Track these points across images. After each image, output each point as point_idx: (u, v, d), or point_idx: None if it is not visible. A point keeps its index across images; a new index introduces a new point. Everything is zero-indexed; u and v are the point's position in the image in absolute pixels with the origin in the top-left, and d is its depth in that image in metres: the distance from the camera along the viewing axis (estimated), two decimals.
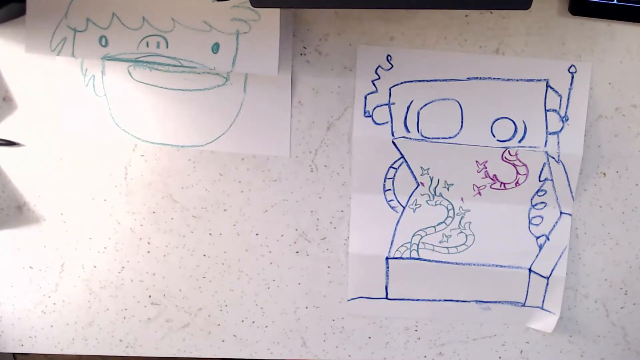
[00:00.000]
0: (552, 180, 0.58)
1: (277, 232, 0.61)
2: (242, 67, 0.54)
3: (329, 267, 0.62)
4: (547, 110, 0.57)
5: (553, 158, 0.57)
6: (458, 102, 0.56)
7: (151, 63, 0.55)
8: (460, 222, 0.60)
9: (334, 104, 0.58)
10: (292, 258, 0.62)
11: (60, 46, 0.54)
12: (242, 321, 0.64)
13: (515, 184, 0.58)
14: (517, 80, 0.56)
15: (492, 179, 0.58)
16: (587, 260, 0.61)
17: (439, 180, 0.59)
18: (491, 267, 0.60)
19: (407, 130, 0.57)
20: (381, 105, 0.57)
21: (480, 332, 0.63)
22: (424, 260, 0.61)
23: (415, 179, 0.59)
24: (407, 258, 0.61)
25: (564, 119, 0.57)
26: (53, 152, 0.59)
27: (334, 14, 0.55)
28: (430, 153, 0.58)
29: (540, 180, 0.58)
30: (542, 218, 0.59)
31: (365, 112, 0.57)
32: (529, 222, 0.60)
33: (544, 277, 0.60)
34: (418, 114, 0.57)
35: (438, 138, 0.57)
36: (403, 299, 0.62)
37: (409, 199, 0.59)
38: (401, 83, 0.56)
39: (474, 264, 0.60)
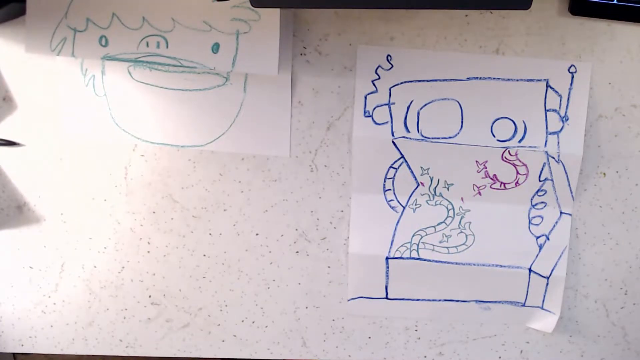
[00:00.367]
0: (552, 180, 0.58)
1: (277, 232, 0.61)
2: (242, 67, 0.54)
3: (329, 267, 0.62)
4: (547, 110, 0.57)
5: (553, 158, 0.57)
6: (458, 102, 0.56)
7: (151, 63, 0.55)
8: (460, 222, 0.60)
9: (334, 104, 0.58)
10: (292, 258, 0.62)
11: (60, 46, 0.54)
12: (242, 321, 0.64)
13: (515, 184, 0.58)
14: (517, 80, 0.56)
15: (492, 179, 0.58)
16: (587, 260, 0.61)
17: (439, 180, 0.59)
18: (491, 267, 0.60)
19: (407, 130, 0.57)
20: (381, 105, 0.57)
21: (480, 332, 0.63)
22: (424, 260, 0.61)
23: (415, 179, 0.59)
24: (407, 258, 0.61)
25: (564, 119, 0.57)
26: (53, 152, 0.59)
27: (334, 14, 0.55)
28: (430, 153, 0.58)
29: (540, 180, 0.58)
30: (542, 218, 0.59)
31: (365, 112, 0.57)
32: (529, 222, 0.60)
33: (544, 277, 0.60)
34: (418, 114, 0.57)
35: (438, 138, 0.57)
36: (403, 299, 0.62)
37: (409, 199, 0.59)
38: (401, 83, 0.56)
39: (474, 264, 0.60)
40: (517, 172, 0.58)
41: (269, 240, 0.61)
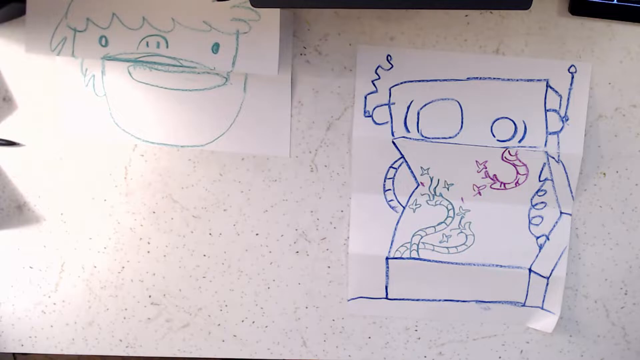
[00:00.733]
0: (552, 180, 0.58)
1: (277, 232, 0.61)
2: (242, 67, 0.54)
3: (329, 267, 0.62)
4: (547, 110, 0.57)
5: (553, 158, 0.57)
6: (458, 102, 0.56)
7: (151, 63, 0.55)
8: (460, 222, 0.60)
9: (334, 104, 0.58)
10: (292, 258, 0.62)
11: (60, 46, 0.54)
12: (242, 321, 0.64)
13: (515, 184, 0.58)
14: (517, 80, 0.56)
15: (492, 179, 0.58)
16: (587, 260, 0.61)
17: (439, 180, 0.59)
18: (491, 267, 0.60)
19: (407, 130, 0.57)
20: (381, 105, 0.57)
21: (480, 332, 0.63)
22: (424, 260, 0.61)
23: (415, 179, 0.59)
24: (407, 258, 0.61)
25: (564, 119, 0.57)
26: (53, 152, 0.59)
27: (334, 14, 0.55)
28: (430, 153, 0.58)
29: (540, 180, 0.58)
30: (542, 218, 0.59)
31: (365, 112, 0.57)
32: (529, 222, 0.60)
33: (544, 277, 0.60)
34: (418, 114, 0.57)
35: (438, 138, 0.57)
36: (403, 299, 0.62)
37: (409, 199, 0.59)
38: (401, 83, 0.56)
39: (474, 264, 0.60)
40: (517, 172, 0.58)
41: (269, 240, 0.61)
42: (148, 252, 0.62)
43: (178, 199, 0.60)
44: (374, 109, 0.57)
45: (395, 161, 0.58)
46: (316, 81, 0.57)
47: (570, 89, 0.56)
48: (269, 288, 0.62)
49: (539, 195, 0.59)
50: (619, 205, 0.59)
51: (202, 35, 0.54)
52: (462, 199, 0.59)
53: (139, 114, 0.58)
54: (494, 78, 0.56)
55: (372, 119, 0.57)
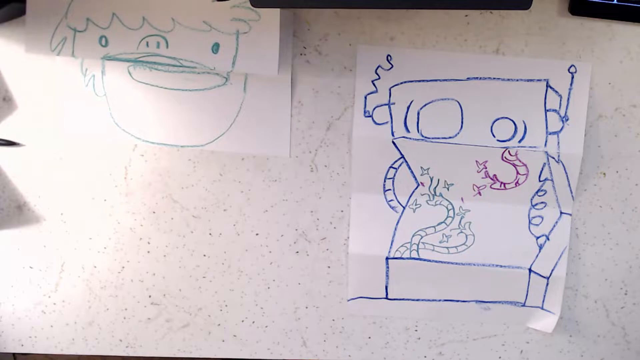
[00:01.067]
0: (552, 180, 0.58)
1: (277, 232, 0.61)
2: (242, 67, 0.54)
3: (329, 267, 0.62)
4: (547, 110, 0.57)
5: (553, 158, 0.57)
6: (458, 102, 0.56)
7: (151, 63, 0.55)
8: (460, 222, 0.60)
9: (334, 104, 0.58)
10: (292, 258, 0.62)
11: (60, 46, 0.54)
12: (242, 321, 0.64)
13: (515, 184, 0.58)
14: (517, 80, 0.56)
15: (492, 179, 0.58)
16: (587, 260, 0.61)
17: (439, 180, 0.59)
18: (491, 267, 0.60)
19: (407, 130, 0.57)
20: (381, 105, 0.57)
21: (480, 332, 0.63)
22: (424, 260, 0.61)
23: (415, 179, 0.59)
24: (407, 258, 0.61)
25: (564, 119, 0.57)
26: (53, 152, 0.59)
27: (334, 14, 0.55)
28: (430, 153, 0.58)
29: (540, 180, 0.58)
30: (542, 218, 0.59)
31: (365, 112, 0.57)
32: (529, 222, 0.60)
33: (544, 277, 0.60)
34: (418, 114, 0.57)
35: (438, 138, 0.57)
36: (403, 299, 0.62)
37: (409, 199, 0.59)
38: (401, 83, 0.56)
39: (474, 264, 0.60)
40: (517, 172, 0.58)
41: (269, 240, 0.61)
42: (148, 252, 0.62)
43: (178, 199, 0.60)
44: (374, 109, 0.57)
45: (395, 161, 0.58)
46: (316, 81, 0.57)
47: (570, 89, 0.56)
48: (269, 288, 0.62)
49: (539, 195, 0.59)
50: (619, 205, 0.59)
51: (202, 35, 0.54)
52: (462, 199, 0.59)
53: (139, 114, 0.58)
54: (494, 78, 0.56)
55: (372, 119, 0.57)
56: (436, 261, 0.60)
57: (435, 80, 0.56)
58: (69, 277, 0.62)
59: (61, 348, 0.65)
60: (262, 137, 0.58)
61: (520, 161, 0.58)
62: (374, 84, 0.56)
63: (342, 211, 0.60)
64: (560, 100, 0.56)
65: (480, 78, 0.56)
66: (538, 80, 0.56)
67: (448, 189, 0.59)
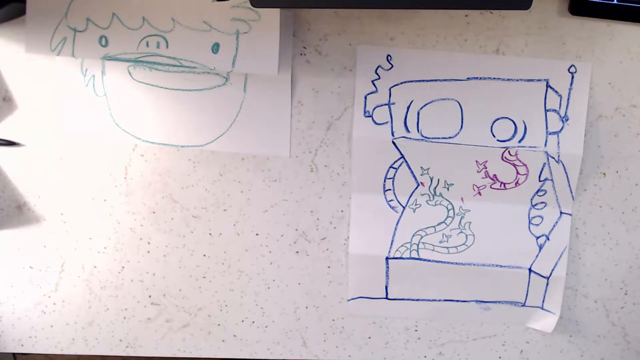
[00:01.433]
0: (552, 180, 0.58)
1: (277, 232, 0.61)
2: (242, 67, 0.54)
3: (329, 267, 0.62)
4: (547, 110, 0.57)
5: (553, 158, 0.57)
6: (458, 102, 0.56)
7: (151, 63, 0.55)
8: (460, 222, 0.60)
9: (334, 104, 0.58)
10: (292, 258, 0.62)
11: (60, 46, 0.54)
12: (242, 321, 0.64)
13: (515, 184, 0.58)
14: (517, 80, 0.56)
15: (492, 179, 0.58)
16: (587, 260, 0.61)
17: (439, 180, 0.59)
18: (491, 267, 0.60)
19: (407, 130, 0.57)
20: (381, 105, 0.57)
21: (480, 332, 0.63)
22: (424, 260, 0.61)
23: (415, 179, 0.59)
24: (407, 258, 0.61)
25: (564, 119, 0.57)
26: (53, 152, 0.59)
27: (334, 14, 0.55)
28: (430, 153, 0.58)
29: (540, 180, 0.58)
30: (542, 218, 0.59)
31: (365, 112, 0.57)
32: (529, 222, 0.60)
33: (544, 277, 0.60)
34: (418, 114, 0.57)
35: (438, 138, 0.57)
36: (403, 299, 0.62)
37: (409, 199, 0.59)
38: (401, 83, 0.56)
39: (474, 264, 0.60)
40: (517, 172, 0.58)
41: (269, 240, 0.61)
42: (148, 252, 0.62)
43: (178, 199, 0.60)
44: (374, 109, 0.57)
45: (395, 161, 0.58)
46: (316, 81, 0.57)
47: (570, 89, 0.56)
48: (269, 288, 0.62)
49: (539, 195, 0.59)
50: (619, 205, 0.59)
51: (202, 35, 0.54)
52: (462, 199, 0.59)
53: (139, 114, 0.58)
54: (494, 78, 0.56)
55: (372, 119, 0.57)
56: (436, 261, 0.60)
57: (435, 80, 0.56)
58: (69, 277, 0.62)
59: (61, 348, 0.65)
60: (262, 137, 0.58)
61: (520, 161, 0.58)
62: (374, 84, 0.56)
63: (342, 211, 0.60)
64: (560, 100, 0.56)
65: (480, 78, 0.56)
66: (538, 80, 0.56)
67: (448, 189, 0.59)
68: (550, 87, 0.56)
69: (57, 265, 0.62)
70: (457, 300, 0.62)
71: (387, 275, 0.61)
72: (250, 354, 0.65)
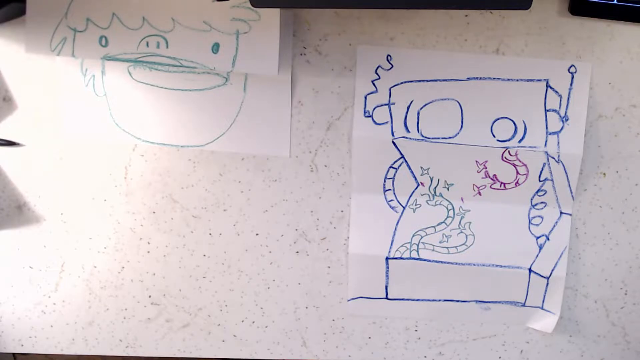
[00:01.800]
0: (552, 180, 0.58)
1: (277, 232, 0.61)
2: (242, 67, 0.54)
3: (329, 267, 0.62)
4: (547, 110, 0.57)
5: (553, 158, 0.57)
6: (458, 102, 0.56)
7: (151, 63, 0.55)
8: (460, 222, 0.60)
9: (334, 104, 0.58)
10: (292, 258, 0.62)
11: (60, 46, 0.54)
12: (242, 321, 0.64)
13: (515, 184, 0.58)
14: (517, 80, 0.56)
15: (492, 179, 0.58)
16: (587, 260, 0.61)
17: (439, 180, 0.59)
18: (491, 267, 0.60)
19: (407, 130, 0.57)
20: (381, 105, 0.57)
21: (480, 332, 0.63)
22: (424, 260, 0.61)
23: (415, 179, 0.59)
24: (407, 258, 0.61)
25: (564, 119, 0.57)
26: (53, 152, 0.59)
27: (334, 14, 0.55)
28: (430, 153, 0.58)
29: (540, 180, 0.58)
30: (542, 218, 0.59)
31: (365, 112, 0.57)
32: (529, 222, 0.60)
33: (544, 277, 0.60)
34: (418, 114, 0.57)
35: (438, 138, 0.57)
36: (403, 299, 0.62)
37: (409, 199, 0.59)
38: (401, 83, 0.56)
39: (474, 264, 0.60)
40: (517, 172, 0.58)
41: (269, 240, 0.61)
42: (148, 252, 0.62)
43: (178, 199, 0.60)
44: (374, 109, 0.57)
45: (395, 161, 0.58)
46: (316, 81, 0.57)
47: (570, 89, 0.56)
48: (269, 288, 0.62)
49: (539, 195, 0.59)
50: (619, 205, 0.59)
51: (202, 35, 0.54)
52: (462, 199, 0.59)
53: (139, 114, 0.58)
54: (494, 78, 0.56)
55: (372, 119, 0.57)
56: (436, 261, 0.60)
57: (435, 80, 0.56)
58: (69, 277, 0.62)
59: (61, 348, 0.65)
60: (262, 137, 0.58)
61: (520, 161, 0.58)
62: (374, 84, 0.56)
63: (342, 211, 0.60)
64: (560, 100, 0.56)
65: (480, 78, 0.56)
66: (538, 80, 0.56)
67: (448, 189, 0.59)
68: (550, 87, 0.56)
69: (57, 265, 0.62)
70: (457, 300, 0.62)
71: (387, 275, 0.61)
72: (250, 354, 0.65)
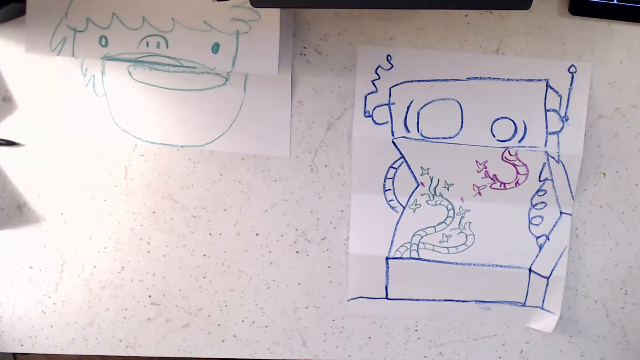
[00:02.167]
0: (552, 180, 0.58)
1: (277, 232, 0.61)
2: (242, 67, 0.54)
3: (329, 267, 0.62)
4: (547, 110, 0.57)
5: (553, 158, 0.57)
6: (458, 102, 0.56)
7: (151, 63, 0.55)
8: (460, 222, 0.60)
9: (334, 104, 0.58)
10: (292, 258, 0.62)
11: (60, 46, 0.54)
12: (242, 321, 0.64)
13: (515, 184, 0.58)
14: (517, 80, 0.56)
15: (492, 179, 0.58)
16: (587, 260, 0.61)
17: (439, 180, 0.59)
18: (491, 267, 0.60)
19: (407, 130, 0.57)
20: (381, 105, 0.57)
21: (480, 332, 0.63)
22: (424, 260, 0.61)
23: (415, 179, 0.59)
24: (407, 258, 0.61)
25: (564, 119, 0.57)
26: (53, 152, 0.59)
27: (334, 14, 0.55)
28: (430, 153, 0.58)
29: (540, 180, 0.58)
30: (542, 218, 0.59)
31: (365, 112, 0.57)
32: (529, 222, 0.60)
33: (544, 277, 0.60)
34: (418, 114, 0.57)
35: (438, 138, 0.57)
36: (403, 299, 0.62)
37: (409, 199, 0.59)
38: (401, 83, 0.56)
39: (474, 264, 0.60)
40: (517, 172, 0.58)
41: (269, 240, 0.61)
42: (148, 252, 0.62)
43: (178, 199, 0.60)
44: (374, 109, 0.57)
45: (395, 161, 0.58)
46: (316, 81, 0.57)
47: (570, 89, 0.56)
48: (269, 288, 0.62)
49: (539, 195, 0.59)
50: (619, 205, 0.59)
51: (202, 35, 0.54)
52: (462, 199, 0.59)
53: (139, 114, 0.58)
54: (494, 78, 0.56)
55: (372, 119, 0.57)
56: (436, 261, 0.60)
57: (435, 80, 0.56)
58: (69, 277, 0.62)
59: (61, 348, 0.65)
60: (262, 137, 0.58)
61: (520, 161, 0.58)
62: (374, 84, 0.56)
63: (342, 211, 0.60)
64: (560, 100, 0.56)
65: (480, 78, 0.56)
66: (538, 80, 0.56)
67: (448, 189, 0.59)
68: (550, 87, 0.56)
69: (57, 265, 0.62)
70: (457, 300, 0.62)
71: (387, 275, 0.61)
72: (250, 354, 0.65)
